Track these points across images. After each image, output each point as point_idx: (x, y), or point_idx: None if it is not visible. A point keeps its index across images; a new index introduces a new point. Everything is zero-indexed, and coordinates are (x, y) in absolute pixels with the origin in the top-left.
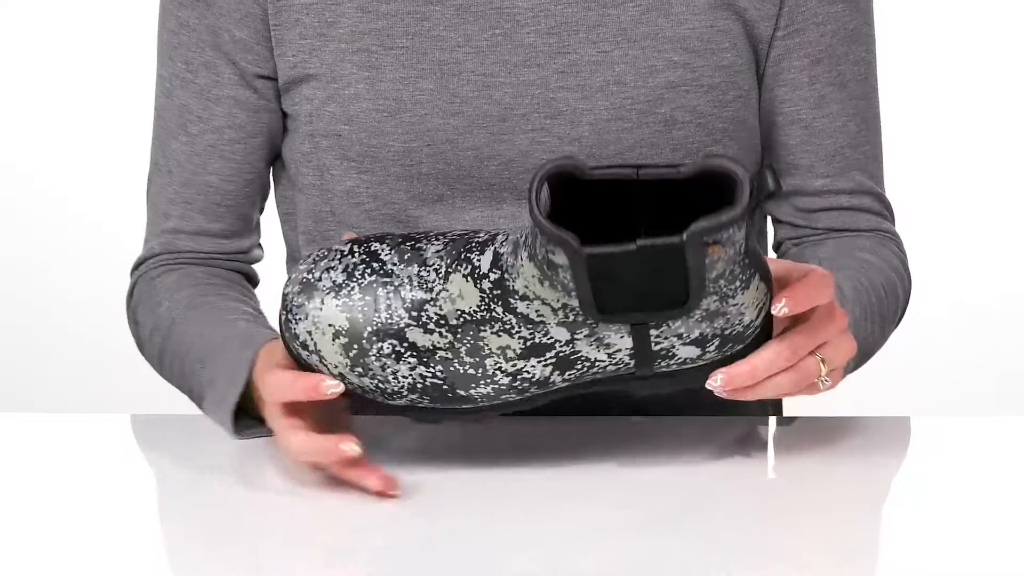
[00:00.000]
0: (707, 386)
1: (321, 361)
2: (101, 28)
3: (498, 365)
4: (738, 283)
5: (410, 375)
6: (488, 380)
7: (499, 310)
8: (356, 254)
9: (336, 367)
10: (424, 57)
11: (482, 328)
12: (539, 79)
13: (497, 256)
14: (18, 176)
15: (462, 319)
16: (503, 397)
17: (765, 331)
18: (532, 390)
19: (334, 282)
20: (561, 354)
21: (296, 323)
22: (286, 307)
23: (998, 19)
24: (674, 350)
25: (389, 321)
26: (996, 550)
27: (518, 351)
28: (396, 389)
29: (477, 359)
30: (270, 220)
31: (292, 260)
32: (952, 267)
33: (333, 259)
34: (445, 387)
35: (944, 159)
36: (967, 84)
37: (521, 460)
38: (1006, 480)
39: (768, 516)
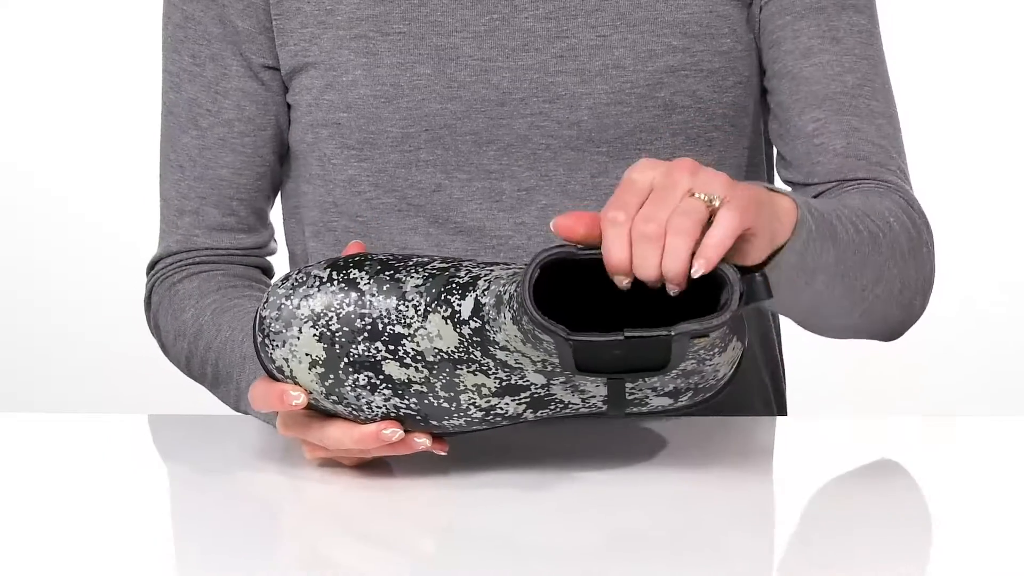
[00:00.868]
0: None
1: (296, 385)
2: (101, 28)
3: (472, 400)
4: (716, 350)
5: (384, 405)
6: (461, 414)
7: (477, 353)
8: (335, 282)
9: (311, 393)
10: (422, 42)
11: (459, 367)
12: (537, 63)
13: (479, 305)
14: (18, 176)
15: (439, 357)
16: (474, 428)
17: (733, 377)
18: (502, 423)
19: (312, 311)
20: (536, 395)
21: (272, 349)
22: (263, 330)
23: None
24: (647, 400)
25: (366, 353)
26: (996, 550)
27: (493, 389)
28: (369, 417)
29: (452, 394)
30: (273, 219)
31: (294, 259)
32: (953, 267)
33: (312, 286)
34: (419, 418)
35: (948, 159)
36: (977, 82)
37: (517, 461)
38: (1006, 480)
39: (768, 516)
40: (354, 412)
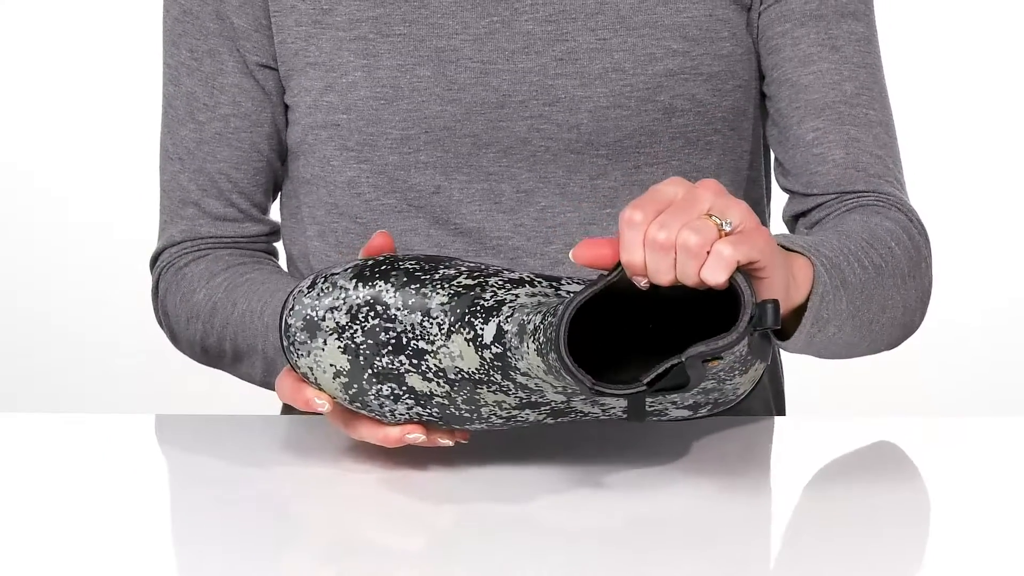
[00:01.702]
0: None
1: (320, 391)
2: (100, 27)
3: (493, 412)
4: (736, 371)
5: (407, 413)
6: (482, 422)
7: (498, 376)
8: (360, 294)
9: (335, 399)
10: (422, 44)
11: (479, 386)
12: (537, 66)
13: (501, 331)
14: (18, 176)
15: (460, 376)
16: (495, 429)
17: (752, 391)
18: (523, 428)
19: (337, 323)
20: (556, 408)
21: (297, 357)
22: (287, 337)
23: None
24: (667, 412)
25: (390, 366)
26: (997, 550)
27: (513, 404)
28: (392, 422)
29: (473, 407)
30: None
31: (292, 260)
32: (953, 268)
33: (337, 298)
34: (441, 423)
35: (949, 161)
36: (977, 82)
37: (517, 460)
38: (1006, 480)
39: (768, 517)
40: (377, 418)
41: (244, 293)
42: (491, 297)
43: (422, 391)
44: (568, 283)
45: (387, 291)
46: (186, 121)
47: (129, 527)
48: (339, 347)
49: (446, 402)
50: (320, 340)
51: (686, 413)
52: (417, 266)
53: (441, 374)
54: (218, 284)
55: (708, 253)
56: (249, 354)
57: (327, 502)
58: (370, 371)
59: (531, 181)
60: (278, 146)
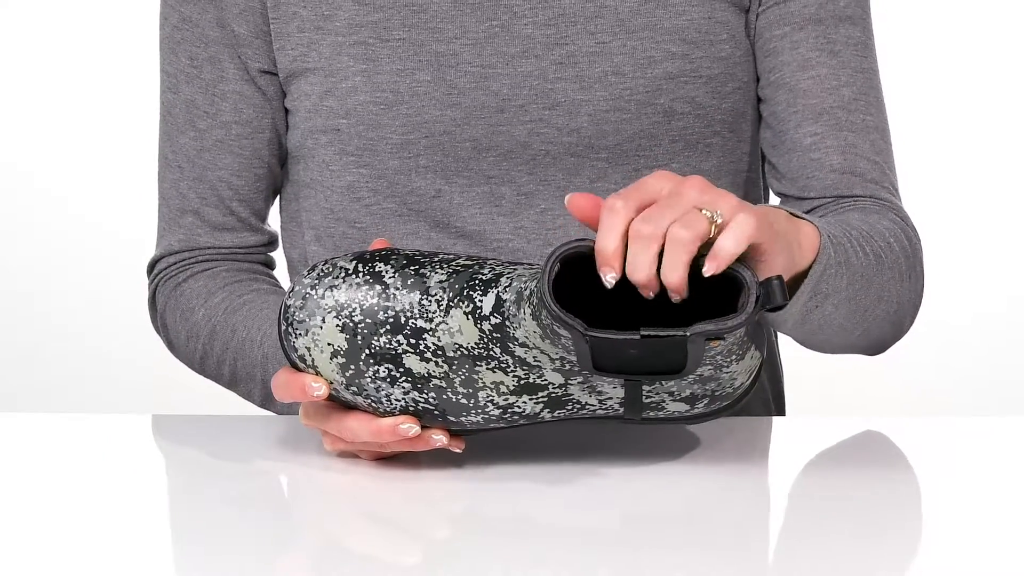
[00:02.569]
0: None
1: (317, 375)
2: (100, 28)
3: (490, 398)
4: (734, 357)
5: (403, 398)
6: (479, 411)
7: (497, 350)
8: (360, 274)
9: (331, 383)
10: (421, 49)
11: (478, 363)
12: (537, 70)
13: (500, 301)
14: (18, 176)
15: (459, 352)
16: (491, 426)
17: (751, 387)
18: (520, 422)
19: (336, 301)
20: (553, 395)
21: (295, 337)
22: (287, 319)
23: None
24: (664, 404)
25: (387, 346)
26: (997, 550)
27: (511, 387)
28: (388, 410)
29: (470, 390)
30: (273, 222)
31: (291, 264)
32: (952, 268)
33: (337, 277)
34: (436, 412)
35: (949, 161)
36: (976, 81)
37: (514, 461)
38: (1006, 480)
39: (768, 517)
40: (373, 404)
41: (243, 319)
42: (489, 272)
43: (419, 373)
44: None
45: (387, 272)
46: (186, 129)
47: (128, 527)
48: (337, 325)
49: (443, 384)
50: (319, 318)
51: (684, 408)
52: (416, 252)
53: (440, 353)
54: (216, 304)
55: (705, 249)
56: (247, 381)
57: (327, 502)
58: (367, 351)
59: (531, 184)
60: (279, 151)
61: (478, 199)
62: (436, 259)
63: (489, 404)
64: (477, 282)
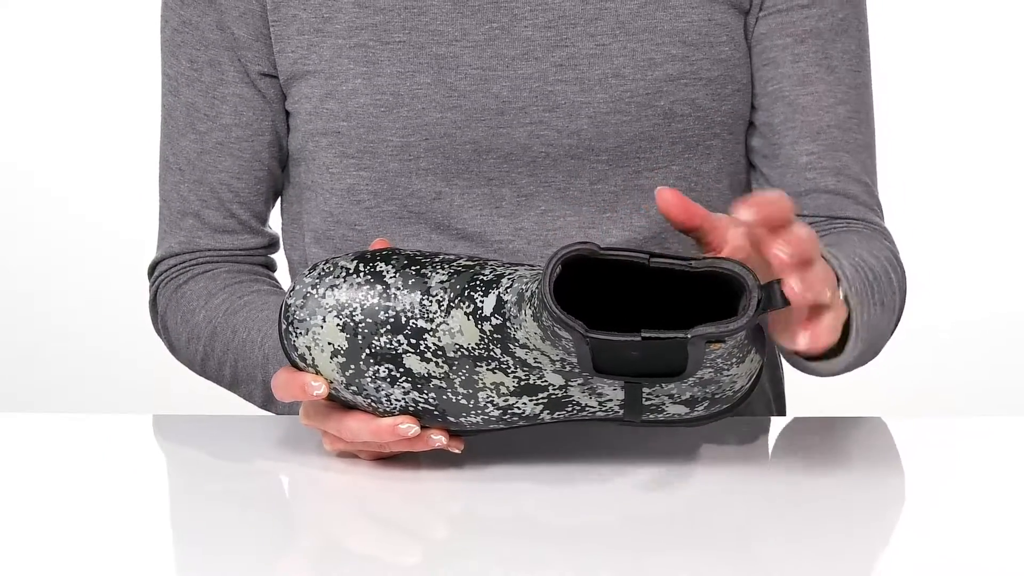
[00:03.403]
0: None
1: (317, 374)
2: (100, 28)
3: (490, 399)
4: (734, 360)
5: (403, 399)
6: (479, 411)
7: (497, 351)
8: (361, 274)
9: (332, 383)
10: (421, 51)
11: (478, 364)
12: (537, 72)
13: (501, 302)
14: (18, 176)
15: (459, 353)
16: (491, 426)
17: (751, 390)
18: (520, 423)
19: (337, 301)
20: (553, 396)
21: (296, 336)
22: (287, 318)
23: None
24: (664, 406)
25: (388, 346)
26: (997, 550)
27: (511, 388)
28: (388, 410)
29: (470, 391)
30: (274, 224)
31: (292, 265)
32: (952, 267)
33: (338, 276)
34: (436, 413)
35: (941, 161)
36: (968, 87)
37: (512, 461)
38: (1006, 480)
39: (768, 517)
40: (373, 404)
41: (243, 319)
42: (491, 273)
43: (419, 373)
44: None
45: (388, 272)
46: (186, 132)
47: (129, 527)
48: (337, 324)
49: (444, 385)
50: (319, 317)
51: (683, 410)
52: (418, 252)
53: (440, 353)
54: (217, 305)
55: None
56: (248, 382)
57: (327, 502)
58: (368, 351)
59: (531, 185)
60: (279, 154)
61: (478, 201)
62: (437, 259)
63: (489, 405)
64: (478, 283)
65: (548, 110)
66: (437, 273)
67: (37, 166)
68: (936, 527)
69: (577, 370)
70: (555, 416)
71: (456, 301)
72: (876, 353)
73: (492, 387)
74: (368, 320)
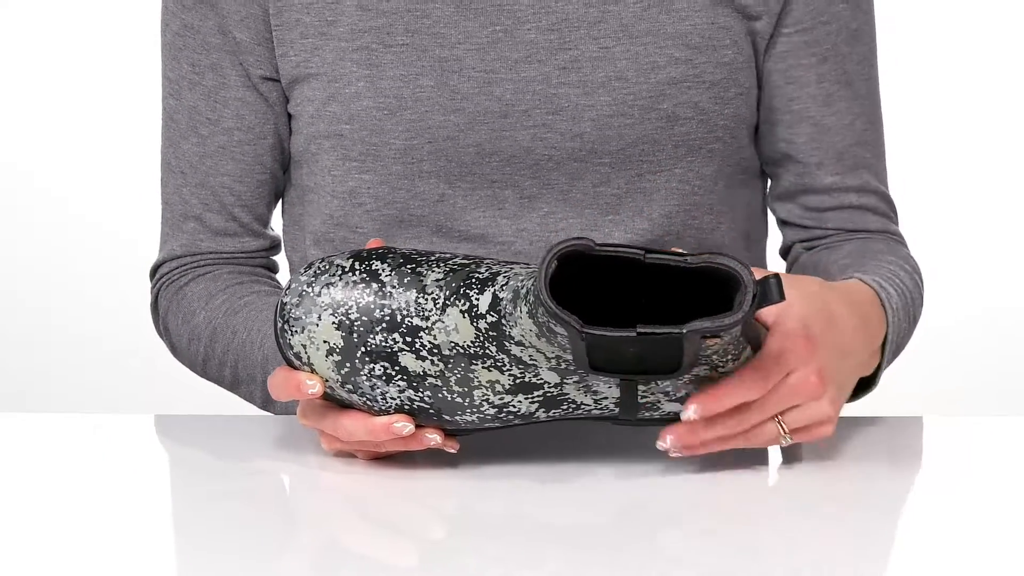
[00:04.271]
0: (660, 445)
1: (313, 373)
2: (100, 28)
3: (485, 397)
4: (729, 356)
5: (399, 397)
6: (474, 409)
7: (492, 349)
8: (356, 272)
9: (327, 381)
10: (424, 54)
11: (474, 362)
12: (540, 75)
13: (496, 299)
14: (18, 176)
15: (455, 351)
16: (486, 425)
17: None
18: (515, 422)
19: (333, 299)
20: (549, 394)
21: (292, 335)
22: (283, 316)
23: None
24: (659, 404)
25: (383, 344)
26: (997, 550)
27: (507, 386)
28: (384, 408)
29: (466, 389)
30: (275, 225)
31: (293, 267)
32: (953, 267)
33: (333, 275)
34: (431, 411)
35: (945, 160)
36: (973, 84)
37: (511, 461)
38: (1007, 480)
39: (767, 515)
40: (368, 402)
41: (243, 320)
42: (486, 271)
43: (415, 371)
44: None
45: (383, 270)
46: (188, 135)
47: (130, 526)
48: (333, 323)
49: (439, 383)
50: (315, 316)
51: (679, 408)
52: (413, 251)
53: (436, 351)
54: (217, 306)
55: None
56: (248, 382)
57: (326, 502)
58: (363, 349)
59: (534, 188)
60: (281, 157)
61: (481, 203)
62: (433, 258)
63: (484, 403)
64: (474, 280)
65: (551, 113)
66: (433, 271)
67: (37, 166)
68: (937, 526)
69: (573, 367)
70: (551, 414)
71: (452, 299)
72: (896, 355)
73: (488, 385)
74: (364, 318)
